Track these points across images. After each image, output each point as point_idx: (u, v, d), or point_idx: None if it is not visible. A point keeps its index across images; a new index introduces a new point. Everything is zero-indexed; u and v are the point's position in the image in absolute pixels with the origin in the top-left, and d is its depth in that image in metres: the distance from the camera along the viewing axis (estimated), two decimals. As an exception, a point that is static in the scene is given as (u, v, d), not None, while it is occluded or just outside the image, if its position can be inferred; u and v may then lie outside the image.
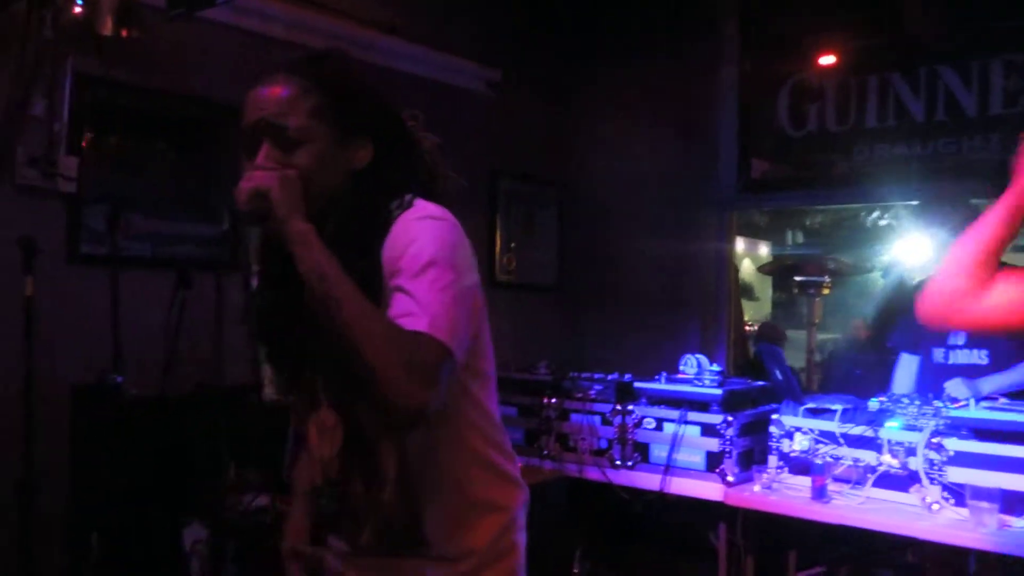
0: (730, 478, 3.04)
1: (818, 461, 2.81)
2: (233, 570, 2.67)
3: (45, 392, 2.76)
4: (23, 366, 2.68)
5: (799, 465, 2.95)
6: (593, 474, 3.43)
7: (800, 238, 8.15)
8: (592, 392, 3.51)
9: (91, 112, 3.00)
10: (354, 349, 1.14)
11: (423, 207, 1.30)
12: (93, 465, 2.77)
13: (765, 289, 8.05)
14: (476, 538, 1.36)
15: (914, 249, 6.04)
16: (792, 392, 3.14)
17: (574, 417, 3.51)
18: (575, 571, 3.69)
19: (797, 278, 5.70)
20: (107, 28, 2.79)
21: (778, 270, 6.75)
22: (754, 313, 7.30)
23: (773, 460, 3.00)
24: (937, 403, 2.75)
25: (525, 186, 4.76)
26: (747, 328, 5.83)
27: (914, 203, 4.41)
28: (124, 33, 2.82)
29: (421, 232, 1.25)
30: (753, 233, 7.81)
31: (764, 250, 8.25)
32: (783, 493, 2.89)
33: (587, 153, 4.87)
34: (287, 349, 1.32)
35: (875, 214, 6.67)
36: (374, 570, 1.38)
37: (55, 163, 2.86)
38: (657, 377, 3.45)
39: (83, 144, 2.98)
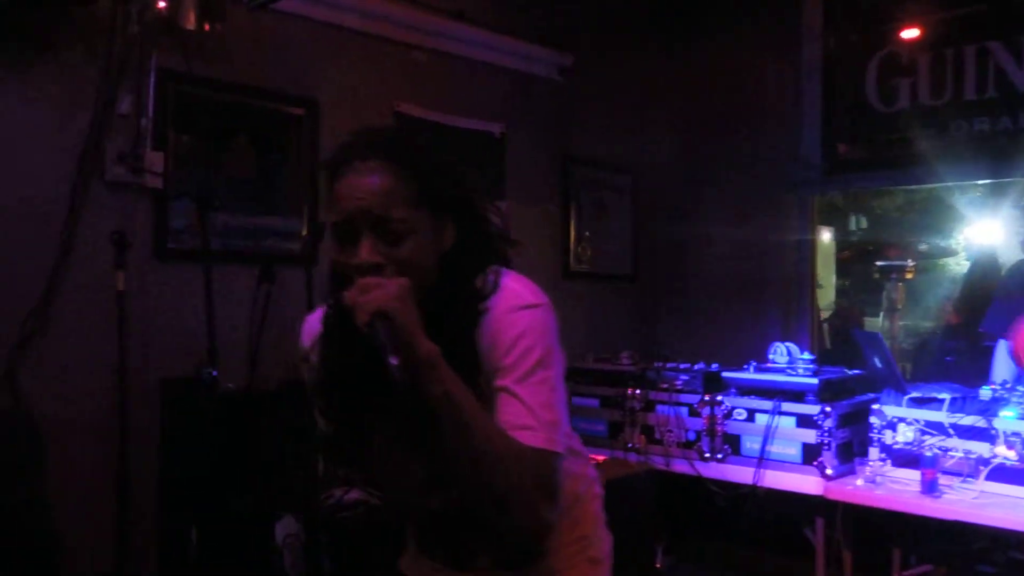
0: (829, 471, 2.97)
1: (927, 453, 2.71)
2: (328, 564, 2.69)
3: (136, 386, 2.82)
4: (116, 360, 2.74)
5: (903, 457, 2.86)
6: (681, 467, 3.38)
7: (864, 222, 7.92)
8: (678, 382, 3.46)
9: (174, 107, 3.04)
10: (484, 474, 1.15)
11: (517, 293, 1.25)
12: (185, 458, 2.81)
13: (828, 276, 7.86)
14: (570, 528, 1.39)
15: (996, 229, 5.83)
16: (894, 381, 3.04)
17: (660, 408, 3.47)
18: (658, 566, 3.64)
19: (879, 263, 5.55)
20: (190, 22, 2.81)
21: (859, 255, 6.57)
22: (819, 301, 7.13)
23: (875, 452, 2.92)
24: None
25: (598, 173, 4.70)
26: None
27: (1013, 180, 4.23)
28: (207, 27, 2.84)
29: (526, 327, 1.22)
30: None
31: (826, 236, 8.03)
32: (888, 487, 2.80)
33: (662, 138, 4.80)
34: (353, 431, 1.30)
35: (956, 194, 6.44)
36: None
37: (142, 159, 2.91)
38: (746, 366, 3.39)
39: (168, 140, 3.01)
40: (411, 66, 3.80)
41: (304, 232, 3.39)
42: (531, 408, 1.19)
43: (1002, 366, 3.29)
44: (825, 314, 6.73)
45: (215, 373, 2.69)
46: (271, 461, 2.80)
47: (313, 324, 1.35)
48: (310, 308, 3.13)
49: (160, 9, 2.83)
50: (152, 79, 2.95)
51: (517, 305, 1.23)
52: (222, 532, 2.70)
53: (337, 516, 2.70)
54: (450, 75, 3.95)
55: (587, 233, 4.60)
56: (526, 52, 4.25)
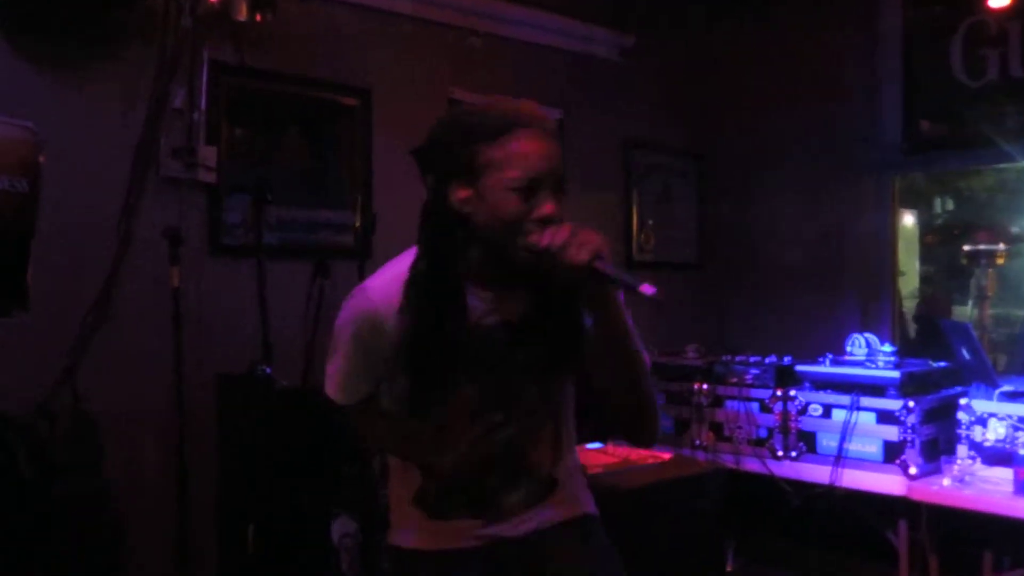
0: (913, 470, 2.87)
1: (1021, 451, 2.60)
2: (385, 566, 2.71)
3: (193, 382, 2.88)
4: (172, 356, 2.80)
5: (995, 456, 2.75)
6: (752, 465, 3.32)
7: (950, 204, 7.63)
8: (748, 377, 3.39)
9: (227, 100, 3.09)
10: (640, 391, 1.48)
11: None
12: (242, 455, 2.87)
13: (911, 261, 7.59)
14: (571, 459, 1.63)
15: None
16: (984, 374, 2.92)
17: (729, 404, 3.41)
18: (728, 569, 3.58)
19: (966, 247, 5.34)
20: (242, 13, 2.86)
21: (944, 239, 6.34)
22: (902, 289, 6.90)
23: (963, 450, 2.82)
24: None
25: (661, 157, 4.63)
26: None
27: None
28: (258, 18, 2.88)
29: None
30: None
31: (909, 220, 7.76)
32: (979, 487, 2.70)
33: (727, 119, 4.70)
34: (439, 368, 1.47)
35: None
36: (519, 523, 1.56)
37: (195, 153, 2.96)
38: (821, 359, 3.31)
39: (221, 133, 3.06)
40: (466, 51, 3.79)
41: (357, 225, 3.42)
42: (636, 334, 1.47)
43: None
44: (908, 303, 6.53)
45: (268, 370, 2.73)
46: (327, 459, 2.83)
47: (378, 288, 1.50)
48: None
49: (212, 2, 2.89)
50: (204, 72, 3.01)
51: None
52: (279, 531, 2.74)
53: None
54: (506, 59, 3.93)
55: (650, 221, 4.54)
56: (585, 33, 4.20)
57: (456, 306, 1.43)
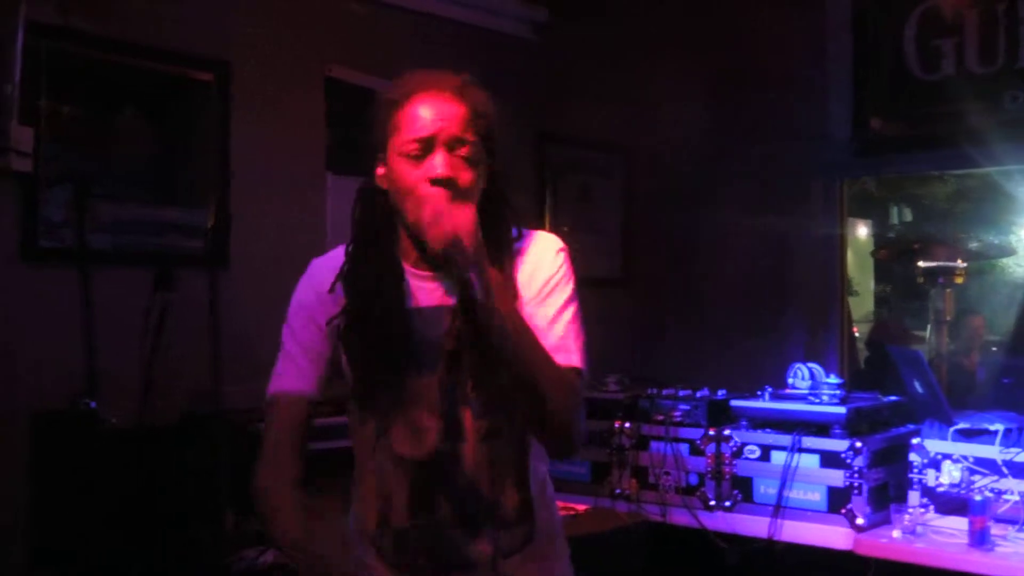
0: (860, 521, 2.98)
1: (977, 497, 2.74)
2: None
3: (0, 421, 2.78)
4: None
5: (950, 503, 2.89)
6: (680, 517, 3.39)
7: (908, 214, 8.01)
8: (677, 414, 3.47)
9: (48, 72, 3.00)
10: (535, 393, 1.55)
11: (549, 237, 1.76)
12: (60, 511, 2.78)
13: (866, 280, 7.91)
14: (551, 512, 1.81)
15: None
16: (939, 410, 3.06)
17: (655, 445, 3.47)
18: (655, 639, 3.65)
19: (922, 263, 5.60)
20: (67, -35, 2.78)
21: (898, 254, 6.63)
22: (854, 311, 7.18)
23: (915, 497, 2.94)
24: None
25: (581, 153, 4.72)
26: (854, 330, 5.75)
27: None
28: (88, -29, 2.82)
29: (562, 265, 1.71)
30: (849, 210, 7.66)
31: (862, 231, 8.09)
32: (931, 539, 2.83)
33: (657, 111, 4.81)
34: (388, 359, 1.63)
35: (1016, 180, 6.53)
36: None
37: (6, 135, 2.86)
38: (760, 393, 3.41)
39: (39, 111, 2.97)
40: (346, 21, 3.78)
41: (210, 226, 3.36)
42: (566, 334, 1.65)
43: None
44: (863, 327, 6.79)
45: (93, 404, 2.66)
46: (168, 514, 2.77)
47: (324, 267, 1.71)
48: (215, 319, 3.12)
49: (29, -51, 2.80)
50: (20, 36, 2.91)
51: (554, 247, 1.73)
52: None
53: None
54: (394, 32, 3.94)
55: (565, 228, 4.60)
56: (493, 5, 4.25)
57: (388, 289, 1.62)
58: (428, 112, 1.58)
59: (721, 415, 3.41)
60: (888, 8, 4.26)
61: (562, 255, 1.72)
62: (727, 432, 3.31)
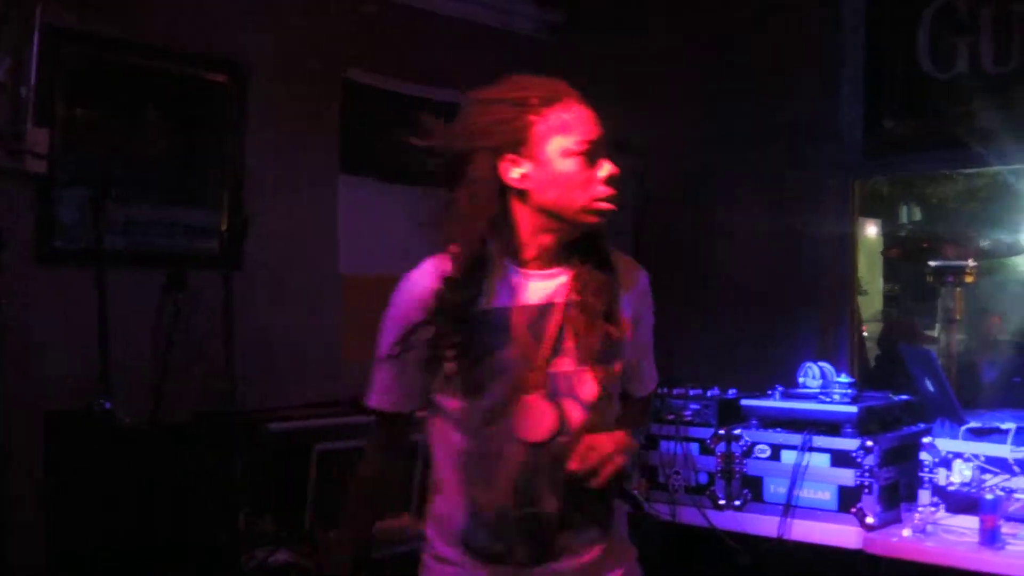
0: (870, 520, 2.97)
1: (988, 496, 2.72)
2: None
3: (14, 421, 2.79)
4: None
5: (960, 502, 2.87)
6: (690, 517, 3.38)
7: (917, 214, 7.97)
8: (687, 413, 3.46)
9: (64, 74, 3.01)
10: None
11: (635, 264, 1.95)
12: (73, 510, 2.79)
13: (875, 279, 7.88)
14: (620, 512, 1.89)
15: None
16: (950, 408, 3.05)
17: (664, 445, 3.46)
18: (665, 637, 3.64)
19: (932, 263, 5.57)
20: (83, -31, 2.79)
21: (908, 253, 6.60)
22: (863, 311, 7.14)
23: (926, 496, 2.93)
24: None
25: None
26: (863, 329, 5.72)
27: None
28: (104, -25, 2.83)
29: (651, 298, 1.97)
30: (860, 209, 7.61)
31: (872, 230, 8.05)
32: (941, 538, 2.81)
33: (670, 111, 4.80)
34: None
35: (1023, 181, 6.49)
36: None
37: (21, 137, 2.88)
38: (770, 392, 3.40)
39: (55, 113, 2.98)
40: (361, 22, 3.78)
41: (224, 227, 3.37)
42: (652, 361, 2.02)
43: None
44: (873, 326, 6.77)
45: (108, 405, 2.67)
46: (181, 514, 2.77)
47: (420, 272, 1.77)
48: (228, 320, 3.13)
49: (45, -47, 2.82)
50: (36, 38, 2.93)
51: (645, 279, 1.93)
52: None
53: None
54: (410, 33, 3.94)
55: (578, 228, 4.60)
56: (506, 6, 4.25)
57: (477, 283, 1.70)
58: (588, 115, 1.74)
59: (731, 414, 3.40)
60: (902, 6, 4.23)
61: (648, 286, 1.93)
62: (737, 431, 3.30)
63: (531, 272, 1.74)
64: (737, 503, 3.27)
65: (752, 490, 3.25)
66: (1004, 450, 2.80)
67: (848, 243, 4.56)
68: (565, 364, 1.72)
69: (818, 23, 4.43)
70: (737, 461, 3.29)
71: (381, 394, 1.79)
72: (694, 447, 3.40)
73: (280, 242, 3.47)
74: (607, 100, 4.89)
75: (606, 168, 1.73)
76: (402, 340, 1.73)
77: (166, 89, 3.29)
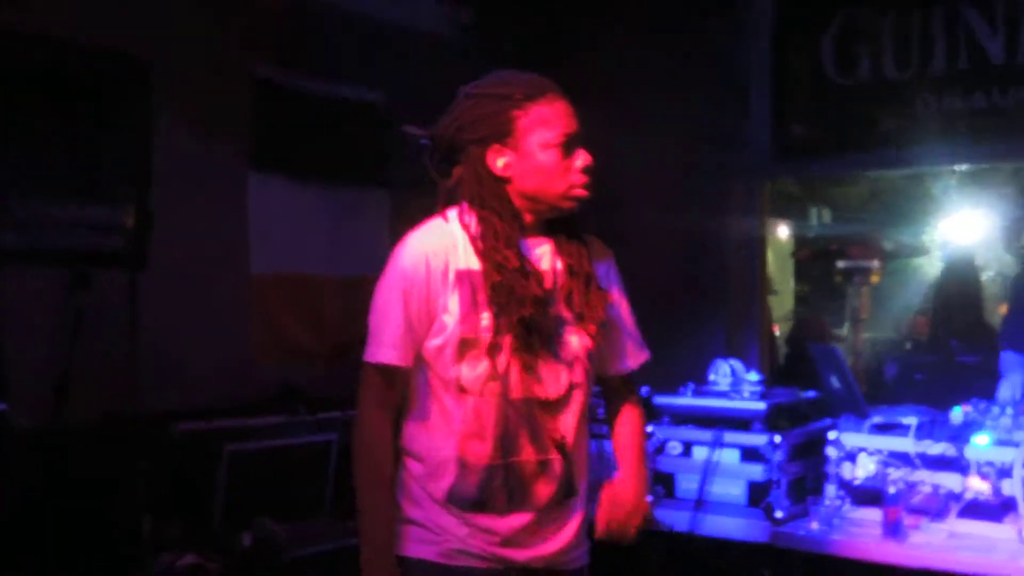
0: (779, 514, 3.00)
1: (890, 489, 2.78)
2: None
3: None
4: None
5: (864, 494, 2.92)
6: (604, 513, 3.38)
7: (827, 216, 8.17)
8: (600, 411, 3.45)
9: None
10: None
11: (600, 242, 2.12)
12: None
13: (786, 279, 8.06)
14: (586, 480, 2.05)
15: (973, 224, 6.08)
16: (854, 404, 3.11)
17: (579, 442, 3.46)
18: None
19: (840, 263, 5.72)
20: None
21: (817, 254, 6.77)
22: (775, 310, 7.30)
23: (831, 490, 2.97)
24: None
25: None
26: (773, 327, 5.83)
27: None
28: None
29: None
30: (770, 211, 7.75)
31: (783, 232, 8.24)
32: (847, 530, 2.86)
33: (582, 112, 4.81)
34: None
35: (927, 182, 6.70)
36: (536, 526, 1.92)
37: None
38: (682, 390, 3.42)
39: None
40: (266, 16, 3.70)
41: (130, 225, 3.27)
42: (637, 331, 2.19)
43: (1015, 382, 3.39)
44: (784, 326, 6.91)
45: (4, 407, 2.56)
46: (81, 519, 2.68)
47: (422, 237, 1.89)
48: (134, 320, 3.04)
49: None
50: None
51: (610, 255, 2.13)
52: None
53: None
54: (314, 29, 3.87)
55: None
56: (415, 3, 4.21)
57: (516, 244, 1.86)
58: (568, 110, 1.90)
59: (645, 412, 3.41)
60: (808, 16, 4.33)
61: (614, 261, 2.12)
62: (650, 429, 3.31)
63: (527, 240, 1.90)
64: (650, 499, 3.29)
65: (665, 486, 3.26)
66: (907, 444, 2.85)
67: (757, 244, 4.64)
68: (563, 323, 1.90)
69: (726, 30, 4.50)
70: (650, 458, 3.30)
71: (391, 348, 1.85)
72: (608, 444, 3.39)
73: (188, 240, 3.38)
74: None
75: (582, 158, 1.89)
76: (408, 297, 1.84)
77: (67, 81, 3.18)
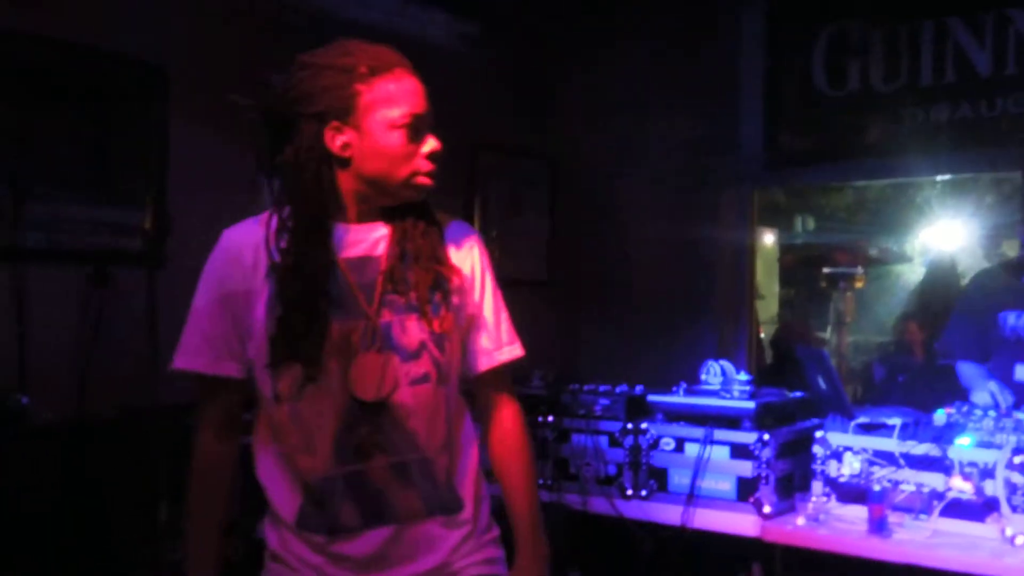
0: (767, 509, 2.99)
1: (875, 487, 2.77)
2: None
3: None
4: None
5: (849, 492, 2.91)
6: (600, 506, 3.36)
7: (812, 223, 8.17)
8: (597, 408, 3.45)
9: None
10: None
11: (463, 223, 1.85)
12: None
13: (771, 284, 8.07)
14: (476, 489, 1.76)
15: (955, 232, 6.08)
16: (840, 405, 3.09)
17: (576, 438, 3.44)
18: (575, 620, 3.63)
19: (826, 269, 5.71)
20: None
21: (803, 260, 6.76)
22: (761, 314, 7.30)
23: (818, 486, 2.96)
24: (1020, 415, 2.73)
25: (510, 161, 4.69)
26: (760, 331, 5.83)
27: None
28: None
29: (484, 255, 1.83)
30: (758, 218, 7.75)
31: (769, 239, 8.24)
32: (833, 526, 2.84)
33: (583, 123, 4.82)
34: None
35: (911, 191, 6.70)
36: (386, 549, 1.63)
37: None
38: (675, 389, 3.41)
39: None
40: (282, 27, 3.70)
41: (148, 226, 3.26)
42: (510, 327, 1.86)
43: (986, 391, 3.33)
44: (769, 328, 6.92)
45: (25, 400, 2.54)
46: (100, 508, 2.67)
47: (238, 230, 1.74)
48: (152, 317, 3.02)
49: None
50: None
51: (474, 235, 1.79)
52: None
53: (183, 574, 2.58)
54: (330, 40, 3.85)
55: (494, 232, 4.57)
56: (424, 16, 4.20)
57: (322, 240, 1.60)
58: (417, 88, 1.64)
59: (639, 409, 3.40)
60: (799, 29, 4.32)
61: (480, 244, 1.78)
62: (644, 425, 3.30)
63: (351, 226, 1.65)
64: (643, 493, 3.27)
65: (658, 481, 3.25)
66: (891, 444, 2.84)
67: (747, 250, 4.64)
68: (389, 315, 1.61)
69: (721, 43, 4.49)
70: (644, 453, 3.28)
71: (191, 354, 1.65)
72: (603, 440, 3.38)
73: (204, 240, 3.35)
74: (521, 112, 4.93)
75: (430, 144, 1.64)
76: (219, 297, 1.65)
77: (89, 87, 3.17)
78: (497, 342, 1.81)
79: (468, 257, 1.75)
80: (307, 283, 1.58)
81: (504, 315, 1.82)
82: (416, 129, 1.62)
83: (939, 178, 5.28)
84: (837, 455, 2.92)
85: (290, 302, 1.57)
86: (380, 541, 1.61)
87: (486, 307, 1.78)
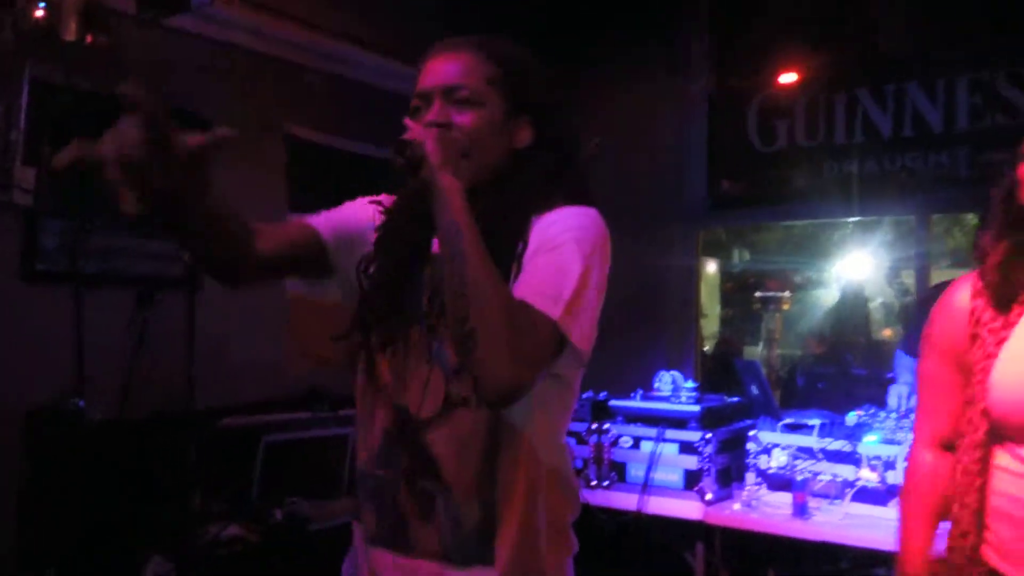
0: (709, 496, 3.05)
1: (798, 477, 2.83)
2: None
3: (-2, 416, 2.65)
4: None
5: (777, 481, 2.97)
6: (568, 494, 3.40)
7: (747, 255, 8.28)
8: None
9: (51, 121, 2.89)
10: (467, 310, 1.09)
11: (580, 207, 1.32)
12: (48, 494, 2.65)
13: (713, 306, 8.16)
14: (544, 568, 1.28)
15: (863, 263, 6.21)
16: (769, 408, 3.16)
17: (549, 436, 3.49)
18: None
19: (758, 293, 5.79)
20: (71, 33, 2.69)
21: (739, 286, 6.85)
22: (704, 330, 7.36)
23: (751, 477, 3.02)
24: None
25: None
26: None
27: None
28: (89, 39, 2.73)
29: (586, 220, 1.29)
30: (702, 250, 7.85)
31: (712, 268, 8.34)
32: (763, 510, 2.91)
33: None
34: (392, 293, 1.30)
35: (829, 229, 6.83)
36: None
37: (11, 174, 2.75)
38: (632, 395, 3.46)
39: (41, 154, 2.86)
40: (305, 89, 3.75)
41: (187, 256, 3.27)
42: (561, 283, 1.18)
43: (902, 388, 3.41)
44: (711, 343, 7.00)
45: (81, 403, 2.55)
46: (141, 496, 2.67)
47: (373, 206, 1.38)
48: (190, 333, 3.03)
49: (38, 18, 2.71)
50: (26, 90, 2.81)
51: (582, 208, 1.30)
52: (85, 574, 2.54)
53: (213, 555, 2.58)
54: (344, 99, 3.91)
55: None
56: (413, 76, 4.24)
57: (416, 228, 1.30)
58: (429, 68, 1.32)
59: (602, 412, 3.45)
60: (735, 94, 4.42)
61: (592, 215, 1.31)
62: (606, 426, 3.36)
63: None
64: (605, 483, 3.32)
65: (618, 473, 3.30)
66: (811, 441, 2.91)
67: (693, 278, 4.70)
68: (443, 327, 1.24)
69: (672, 106, 4.58)
70: (606, 450, 3.33)
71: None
72: (571, 440, 3.43)
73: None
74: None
75: (425, 118, 1.28)
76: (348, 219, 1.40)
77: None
78: (536, 286, 1.26)
79: (555, 226, 1.32)
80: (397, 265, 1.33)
81: (562, 272, 1.26)
82: (415, 108, 1.31)
83: (851, 219, 5.39)
84: (767, 450, 2.99)
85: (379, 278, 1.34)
86: (389, 562, 1.29)
87: (537, 257, 1.29)
